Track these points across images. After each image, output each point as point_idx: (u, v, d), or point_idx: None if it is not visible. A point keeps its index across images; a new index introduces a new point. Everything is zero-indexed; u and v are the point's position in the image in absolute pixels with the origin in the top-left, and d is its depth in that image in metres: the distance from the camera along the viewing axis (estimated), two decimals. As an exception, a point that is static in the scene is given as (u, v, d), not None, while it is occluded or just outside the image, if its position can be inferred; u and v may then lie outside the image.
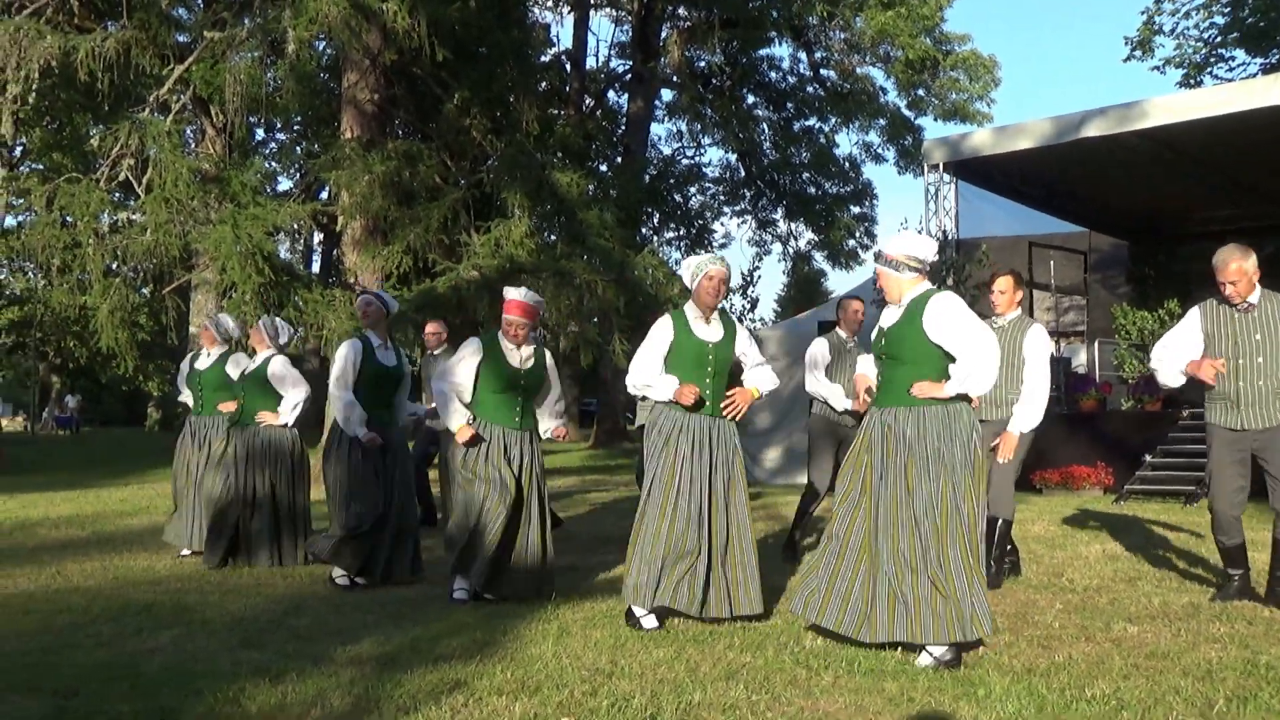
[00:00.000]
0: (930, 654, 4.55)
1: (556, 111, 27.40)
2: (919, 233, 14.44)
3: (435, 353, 9.92)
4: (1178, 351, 6.17)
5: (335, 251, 22.27)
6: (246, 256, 14.09)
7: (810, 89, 34.02)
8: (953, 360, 4.74)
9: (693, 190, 35.04)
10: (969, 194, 16.18)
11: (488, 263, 16.10)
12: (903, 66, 31.58)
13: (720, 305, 5.70)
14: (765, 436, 16.42)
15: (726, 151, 34.86)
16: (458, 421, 6.14)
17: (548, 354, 6.53)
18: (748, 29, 29.76)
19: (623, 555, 7.26)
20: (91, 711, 3.89)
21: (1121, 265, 19.88)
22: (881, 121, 33.76)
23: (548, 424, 6.56)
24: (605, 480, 16.20)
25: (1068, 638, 5.06)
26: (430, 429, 9.39)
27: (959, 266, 15.19)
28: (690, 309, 5.69)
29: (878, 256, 5.09)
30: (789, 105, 34.32)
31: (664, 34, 30.30)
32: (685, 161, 35.28)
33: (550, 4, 30.71)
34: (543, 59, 27.43)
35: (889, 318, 5.04)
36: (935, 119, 33.53)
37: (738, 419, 5.67)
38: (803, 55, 33.52)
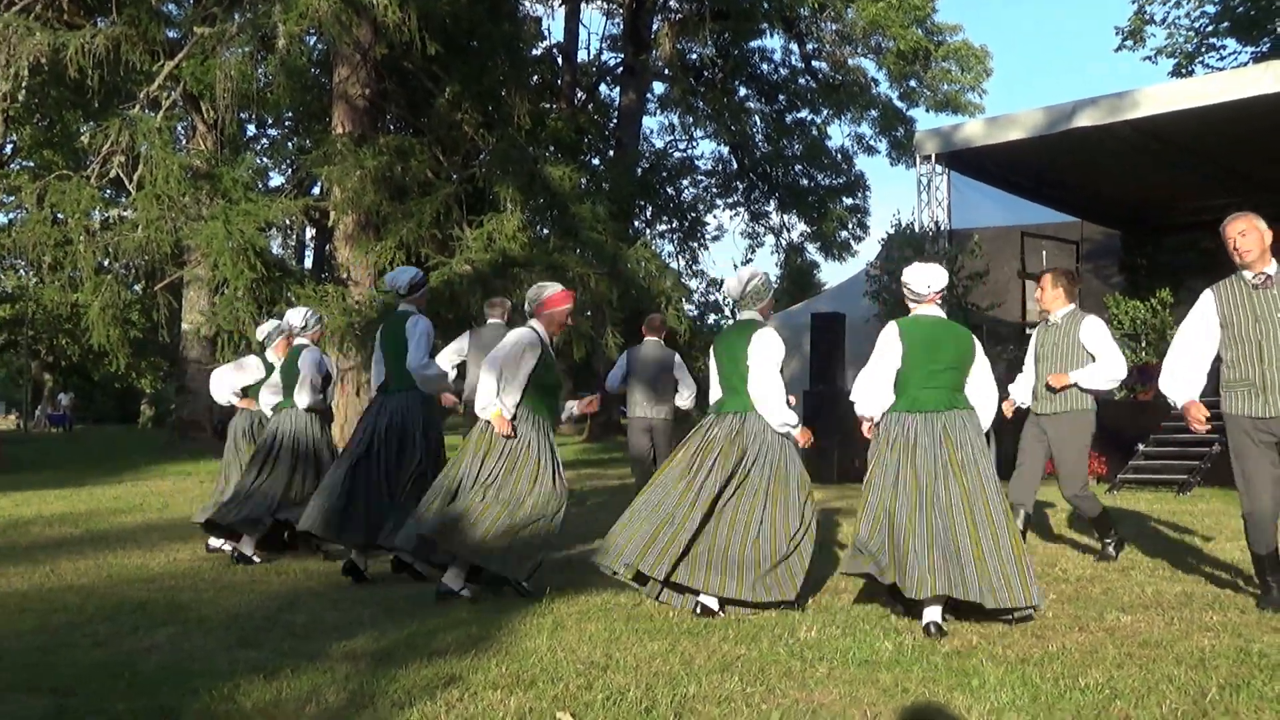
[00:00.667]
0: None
1: (548, 105, 27.41)
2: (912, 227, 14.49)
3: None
4: (1187, 372, 5.77)
5: (328, 247, 22.22)
6: (238, 252, 14.09)
7: (802, 81, 34.04)
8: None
9: (685, 183, 35.07)
10: (961, 184, 16.21)
11: (480, 257, 16.11)
12: (894, 57, 31.59)
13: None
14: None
15: (719, 144, 34.90)
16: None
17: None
18: (739, 21, 29.77)
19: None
20: (90, 710, 3.89)
21: (1113, 255, 19.92)
22: (873, 113, 33.79)
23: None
24: (600, 474, 16.21)
25: (1061, 627, 5.08)
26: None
27: (952, 257, 15.21)
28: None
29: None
30: (781, 97, 34.33)
31: (655, 26, 30.28)
32: (677, 154, 35.32)
33: (541, -3, 30.70)
34: (534, 52, 27.44)
35: None
36: (927, 110, 33.59)
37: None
38: (794, 47, 33.55)
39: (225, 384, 8.81)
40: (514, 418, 6.10)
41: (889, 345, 5.61)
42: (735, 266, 34.97)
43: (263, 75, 17.71)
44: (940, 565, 5.04)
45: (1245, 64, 24.06)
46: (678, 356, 10.20)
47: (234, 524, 7.68)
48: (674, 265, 32.36)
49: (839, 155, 34.83)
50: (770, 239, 37.60)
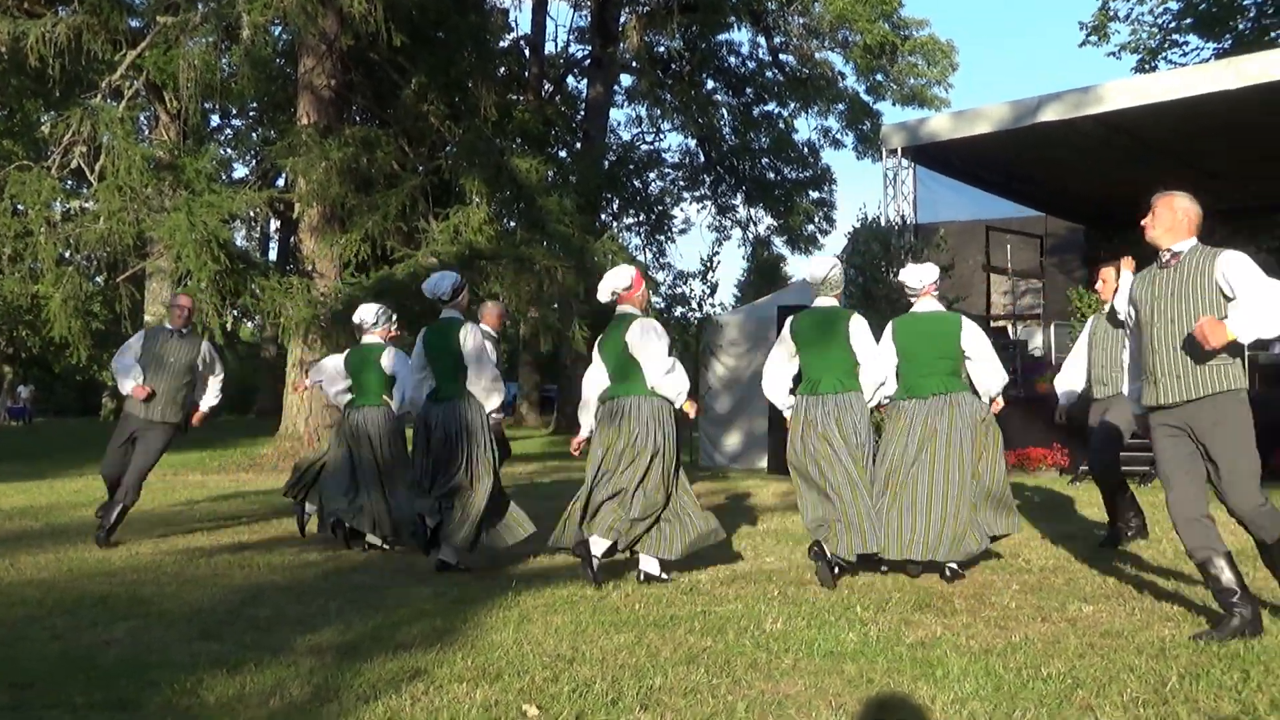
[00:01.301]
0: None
1: (515, 97, 27.31)
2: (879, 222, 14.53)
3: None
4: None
5: (293, 239, 22.08)
6: (202, 244, 13.96)
7: (769, 74, 34.11)
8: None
9: (652, 176, 35.09)
10: (927, 179, 16.26)
11: (447, 249, 16.05)
12: (861, 51, 31.70)
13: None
14: (725, 422, 16.46)
15: (686, 137, 34.95)
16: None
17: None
18: (707, 14, 29.76)
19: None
20: (47, 703, 3.85)
21: (1077, 249, 20.06)
22: (840, 106, 33.90)
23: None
24: (566, 465, 16.18)
25: (1024, 618, 5.11)
26: None
27: (917, 251, 15.28)
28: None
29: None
30: (748, 90, 34.39)
31: (623, 19, 30.25)
32: (645, 147, 35.30)
33: (508, -12, 30.54)
34: (501, 44, 27.32)
35: None
36: (894, 104, 33.76)
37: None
38: (762, 40, 33.62)
39: (337, 388, 8.60)
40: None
41: (885, 341, 6.51)
42: (702, 259, 35.05)
43: (227, 65, 17.56)
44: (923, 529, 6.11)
45: (1207, 60, 24.27)
46: None
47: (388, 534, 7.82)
48: (641, 258, 32.37)
49: (806, 149, 34.95)
50: (737, 232, 37.69)
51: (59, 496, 12.12)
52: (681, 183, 36.15)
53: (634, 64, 31.00)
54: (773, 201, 34.84)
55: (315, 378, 8.88)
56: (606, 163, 30.54)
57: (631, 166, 33.53)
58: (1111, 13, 27.89)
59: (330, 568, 6.97)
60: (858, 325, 6.36)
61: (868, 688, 3.96)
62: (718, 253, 37.15)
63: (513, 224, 18.51)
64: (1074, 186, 18.16)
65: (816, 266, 6.59)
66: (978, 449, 6.28)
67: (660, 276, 35.79)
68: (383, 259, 16.68)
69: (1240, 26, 25.38)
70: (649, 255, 35.07)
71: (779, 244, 37.80)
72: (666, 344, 6.28)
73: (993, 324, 17.18)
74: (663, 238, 35.61)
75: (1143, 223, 5.26)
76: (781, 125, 34.57)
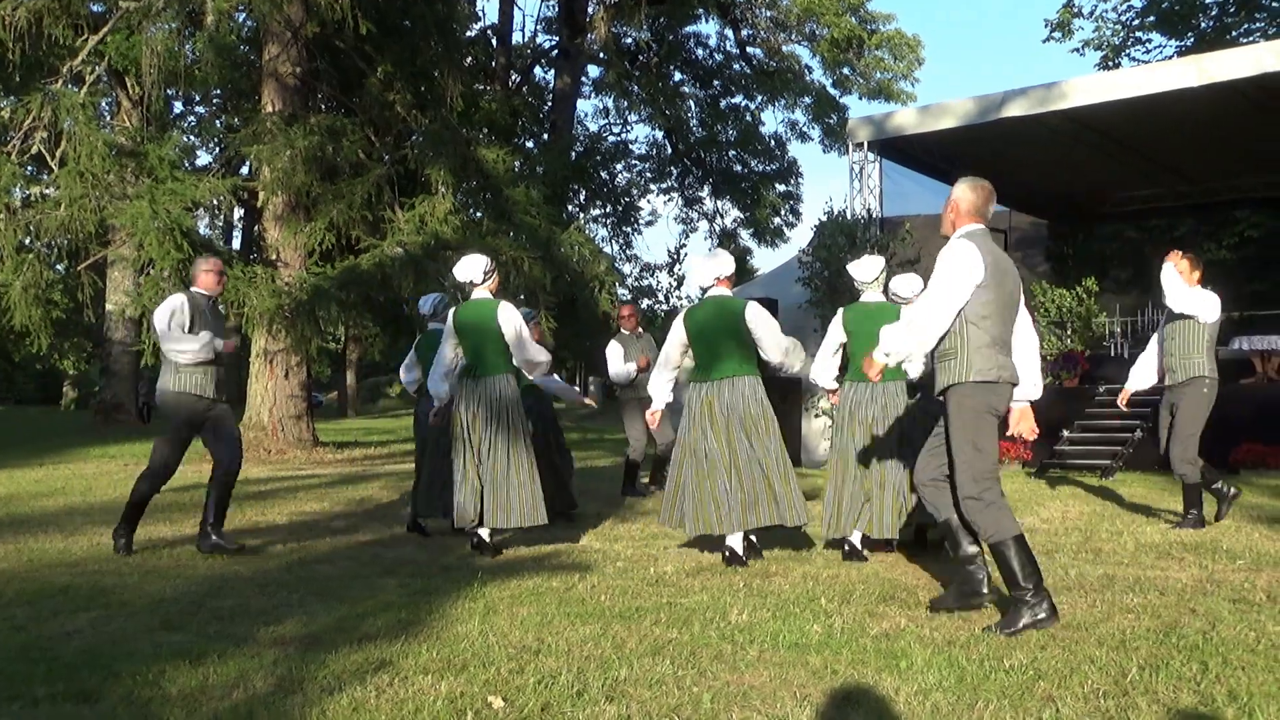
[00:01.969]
0: None
1: (482, 87, 27.22)
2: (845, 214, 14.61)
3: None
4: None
5: (257, 228, 21.89)
6: (164, 232, 13.84)
7: (737, 66, 34.15)
8: None
9: (619, 167, 35.10)
10: (893, 172, 16.34)
11: (412, 240, 15.97)
12: (828, 45, 31.77)
13: None
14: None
15: (653, 128, 34.93)
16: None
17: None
18: (674, 5, 29.77)
19: (550, 532, 7.33)
20: (8, 695, 3.81)
21: (1041, 244, 20.23)
22: (807, 100, 33.97)
23: None
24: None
25: (987, 610, 5.15)
26: None
27: (884, 244, 15.35)
28: None
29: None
30: (716, 82, 34.42)
31: (591, 10, 30.17)
32: (612, 138, 35.28)
33: (476, -22, 30.43)
34: (468, 34, 27.20)
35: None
36: (860, 98, 33.87)
37: None
38: (729, 32, 33.64)
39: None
40: None
41: (834, 328, 7.02)
42: (670, 252, 35.22)
43: (190, 51, 17.37)
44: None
45: (1170, 58, 24.51)
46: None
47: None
48: (608, 250, 32.38)
49: (772, 141, 35.02)
50: (704, 224, 37.77)
51: (19, 486, 11.99)
52: (648, 174, 36.19)
53: (601, 55, 30.94)
54: (739, 194, 34.92)
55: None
56: (573, 154, 30.50)
57: (599, 158, 33.51)
58: (1075, 9, 28.09)
59: (294, 559, 6.93)
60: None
61: (832, 679, 3.98)
62: (684, 245, 37.20)
63: (479, 214, 18.44)
64: (1037, 181, 18.30)
65: (866, 269, 7.00)
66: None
67: (627, 268, 35.88)
68: (348, 248, 16.59)
69: (1202, 25, 25.62)
70: (616, 247, 35.11)
71: (745, 236, 37.91)
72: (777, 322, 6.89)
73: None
74: (629, 229, 35.68)
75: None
76: (748, 118, 34.64)
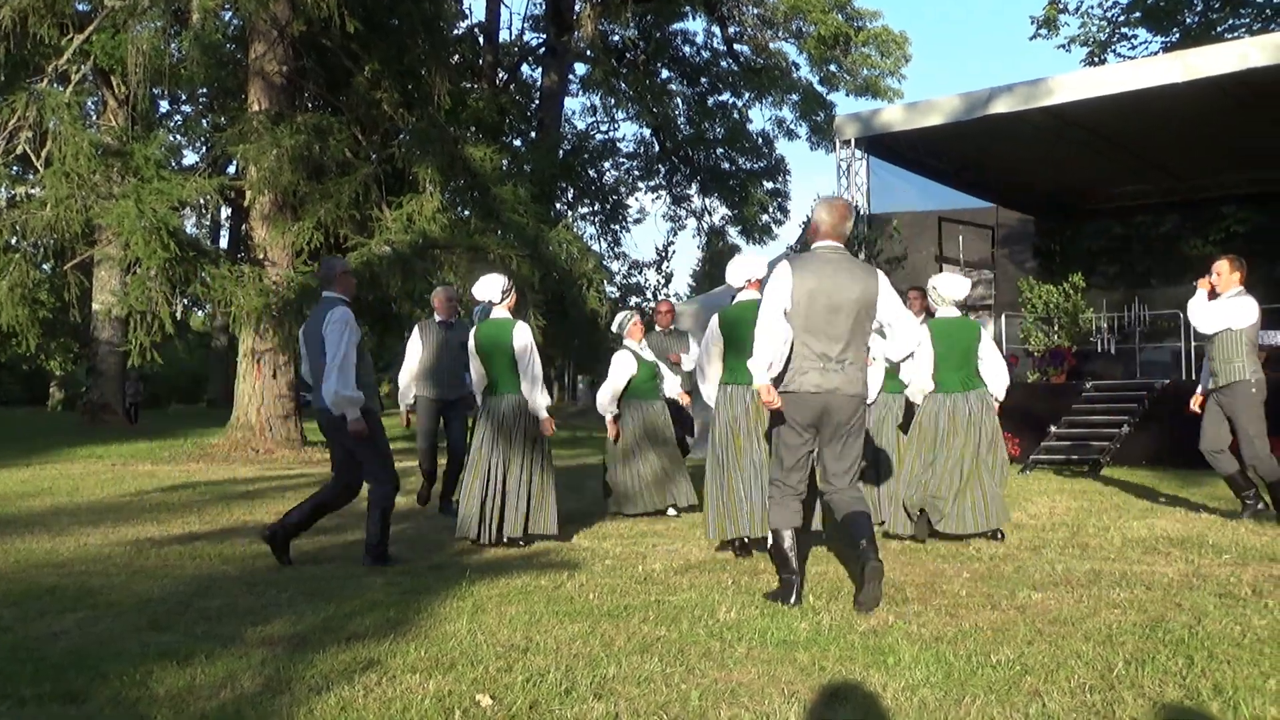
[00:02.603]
0: None
1: (469, 85, 27.17)
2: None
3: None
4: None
5: (244, 227, 21.83)
6: (151, 232, 13.79)
7: (724, 64, 34.14)
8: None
9: (607, 165, 35.06)
10: (880, 169, 16.36)
11: (400, 238, 15.94)
12: (815, 42, 31.77)
13: None
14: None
15: (640, 126, 34.93)
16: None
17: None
18: (662, 3, 29.76)
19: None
20: (-6, 697, 3.80)
21: (1027, 240, 20.25)
22: (794, 97, 33.98)
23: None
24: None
25: (974, 605, 5.17)
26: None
27: (870, 241, 15.37)
28: None
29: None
30: (703, 80, 34.41)
31: (578, 7, 30.15)
32: (600, 136, 35.24)
33: (463, -25, 30.35)
34: (455, 32, 27.12)
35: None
36: (847, 95, 33.86)
37: None
38: (717, 30, 33.61)
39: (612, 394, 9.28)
40: None
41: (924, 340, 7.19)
42: (656, 249, 35.30)
43: (176, 50, 17.31)
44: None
45: (1156, 54, 24.55)
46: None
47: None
48: (596, 248, 32.36)
49: (760, 139, 35.00)
50: (692, 222, 37.76)
51: (6, 487, 11.95)
52: (636, 172, 36.18)
53: (589, 53, 30.91)
54: (727, 191, 34.92)
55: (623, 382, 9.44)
56: (561, 152, 30.45)
57: (586, 156, 33.47)
58: (1061, 5, 28.13)
59: (282, 558, 6.91)
60: (986, 335, 7.40)
61: (820, 675, 3.99)
62: (672, 242, 37.26)
63: (467, 213, 18.41)
64: (1024, 178, 18.34)
65: (958, 287, 7.34)
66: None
67: (615, 266, 35.85)
68: (335, 247, 16.55)
69: (1188, 20, 25.66)
70: (604, 245, 35.09)
71: (734, 234, 37.90)
72: None
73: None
74: (618, 227, 35.67)
75: None
76: (736, 115, 34.64)
